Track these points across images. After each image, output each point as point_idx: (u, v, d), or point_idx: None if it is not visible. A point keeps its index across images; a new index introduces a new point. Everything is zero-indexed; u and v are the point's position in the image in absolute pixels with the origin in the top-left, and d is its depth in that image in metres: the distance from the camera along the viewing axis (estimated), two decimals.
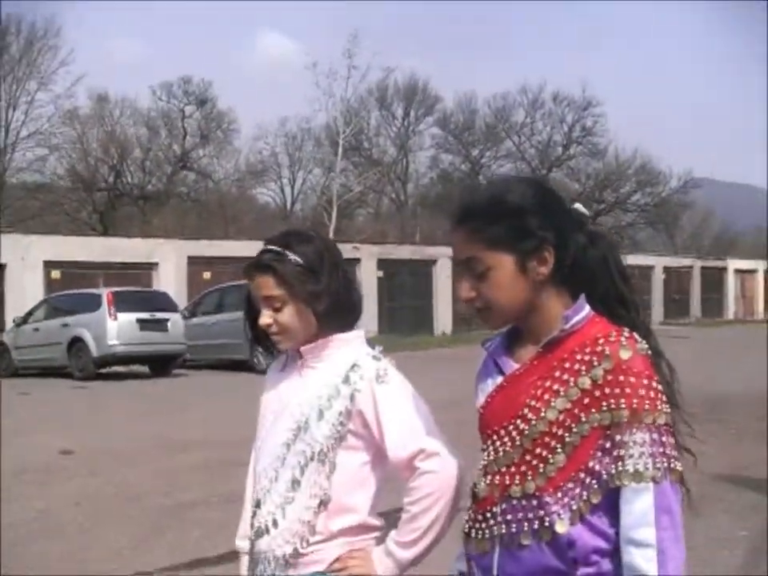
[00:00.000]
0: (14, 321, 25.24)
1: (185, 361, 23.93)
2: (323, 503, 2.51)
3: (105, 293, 22.96)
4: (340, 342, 2.60)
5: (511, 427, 2.13)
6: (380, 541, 2.55)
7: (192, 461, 10.24)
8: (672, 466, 2.01)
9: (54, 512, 8.28)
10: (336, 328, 2.60)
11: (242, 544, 2.74)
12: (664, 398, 2.04)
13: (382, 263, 37.68)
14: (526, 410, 2.11)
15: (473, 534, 2.20)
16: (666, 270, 51.24)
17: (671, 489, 2.01)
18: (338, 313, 2.59)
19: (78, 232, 41.25)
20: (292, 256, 2.56)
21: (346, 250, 36.36)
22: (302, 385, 2.59)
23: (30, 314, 24.68)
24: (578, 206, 2.27)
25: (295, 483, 2.53)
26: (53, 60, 49.79)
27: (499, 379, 2.21)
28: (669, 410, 2.05)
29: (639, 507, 2.00)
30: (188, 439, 11.80)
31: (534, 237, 2.10)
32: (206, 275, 31.38)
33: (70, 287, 26.16)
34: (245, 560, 2.73)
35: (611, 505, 2.04)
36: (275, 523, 2.54)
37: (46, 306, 24.71)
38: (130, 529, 7.59)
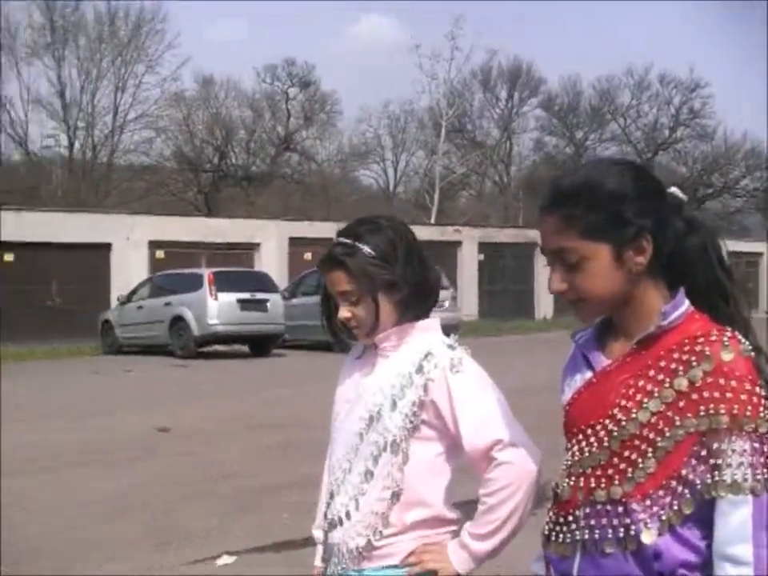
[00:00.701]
0: (118, 299, 25.74)
1: (284, 341, 24.08)
2: (396, 495, 2.43)
3: (206, 273, 23.25)
4: (414, 331, 2.51)
5: (599, 427, 1.97)
6: (456, 534, 2.46)
7: (284, 441, 10.24)
8: None
9: (146, 489, 8.34)
10: (415, 315, 2.51)
11: (318, 533, 2.68)
12: (767, 404, 1.87)
13: (484, 246, 37.47)
14: (615, 410, 1.95)
15: (553, 537, 2.06)
16: None
17: None
18: (415, 300, 2.50)
19: (182, 212, 41.81)
20: (364, 248, 2.46)
21: (448, 233, 36.63)
22: (376, 374, 2.52)
23: (134, 292, 25.13)
24: (674, 189, 2.07)
25: (368, 474, 2.45)
26: (160, 44, 50.65)
27: (588, 374, 2.05)
28: None
29: (736, 521, 1.83)
30: (282, 420, 11.83)
31: (631, 225, 1.93)
32: (307, 256, 31.51)
33: (173, 267, 26.55)
34: (320, 550, 2.67)
35: (703, 516, 1.88)
36: (348, 515, 2.47)
37: (149, 285, 25.13)
38: (218, 508, 7.60)
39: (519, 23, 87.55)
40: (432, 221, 43.39)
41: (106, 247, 29.31)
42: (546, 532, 2.09)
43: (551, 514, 2.09)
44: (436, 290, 2.59)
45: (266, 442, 10.37)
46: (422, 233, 34.68)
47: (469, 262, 37.15)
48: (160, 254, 30.03)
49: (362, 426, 2.47)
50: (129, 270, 28.75)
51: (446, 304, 24.35)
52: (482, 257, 37.34)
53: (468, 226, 39.87)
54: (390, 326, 2.49)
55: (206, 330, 22.47)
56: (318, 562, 2.67)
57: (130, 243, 29.56)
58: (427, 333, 2.51)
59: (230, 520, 7.25)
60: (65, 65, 48.48)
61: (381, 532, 2.43)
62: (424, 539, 2.43)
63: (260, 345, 23.45)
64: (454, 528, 2.47)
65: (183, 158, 53.29)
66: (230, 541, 6.67)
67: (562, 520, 2.04)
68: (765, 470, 1.83)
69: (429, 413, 2.41)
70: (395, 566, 2.43)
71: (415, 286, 2.49)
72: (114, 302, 26.61)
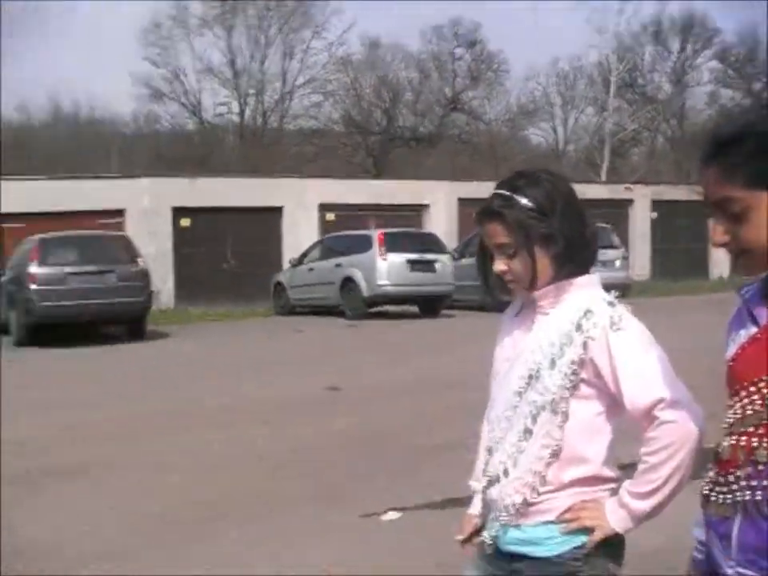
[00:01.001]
0: (290, 261, 26.25)
1: (453, 301, 24.10)
2: (555, 453, 2.41)
3: (376, 234, 23.43)
4: (573, 287, 2.47)
5: (762, 384, 1.89)
6: (614, 493, 2.43)
7: (452, 401, 10.27)
8: None
9: (313, 447, 8.51)
10: (571, 271, 2.47)
11: (475, 484, 2.68)
12: None
13: (656, 204, 36.57)
14: None
15: (713, 498, 1.99)
16: None
17: None
18: (572, 255, 2.46)
19: (351, 175, 42.26)
20: (521, 200, 2.44)
21: (618, 191, 35.88)
22: (535, 332, 2.50)
23: (305, 254, 25.56)
24: None
25: (527, 433, 2.44)
26: (325, 9, 51.08)
27: (753, 330, 1.96)
28: None
29: None
30: (450, 379, 11.86)
31: None
32: None
33: (343, 229, 26.87)
34: (476, 500, 2.69)
35: None
36: (506, 472, 2.48)
37: (320, 247, 25.51)
38: (386, 467, 7.70)
39: None
40: (602, 179, 42.64)
41: (278, 211, 29.90)
42: (706, 492, 2.03)
43: (711, 473, 2.02)
44: (593, 245, 2.55)
45: (434, 402, 10.44)
46: (593, 191, 34.32)
47: (641, 220, 36.36)
48: (330, 216, 30.43)
49: (522, 384, 2.46)
50: (300, 232, 29.27)
51: (617, 264, 23.97)
52: (654, 215, 36.48)
53: (639, 183, 38.99)
54: (547, 281, 2.46)
55: (375, 291, 22.69)
56: (472, 511, 2.70)
57: (301, 206, 30.07)
58: (586, 289, 2.47)
59: (397, 478, 7.34)
60: (234, 34, 49.54)
61: (537, 490, 2.42)
62: (581, 496, 2.42)
63: (429, 305, 23.54)
64: (612, 486, 2.44)
65: (351, 122, 53.76)
66: (396, 498, 6.75)
67: (722, 480, 1.97)
68: None
69: (588, 372, 2.38)
70: (551, 522, 2.42)
71: (572, 241, 2.45)
72: (285, 265, 27.17)
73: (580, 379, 2.39)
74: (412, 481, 7.25)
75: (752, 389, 1.92)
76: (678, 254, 36.61)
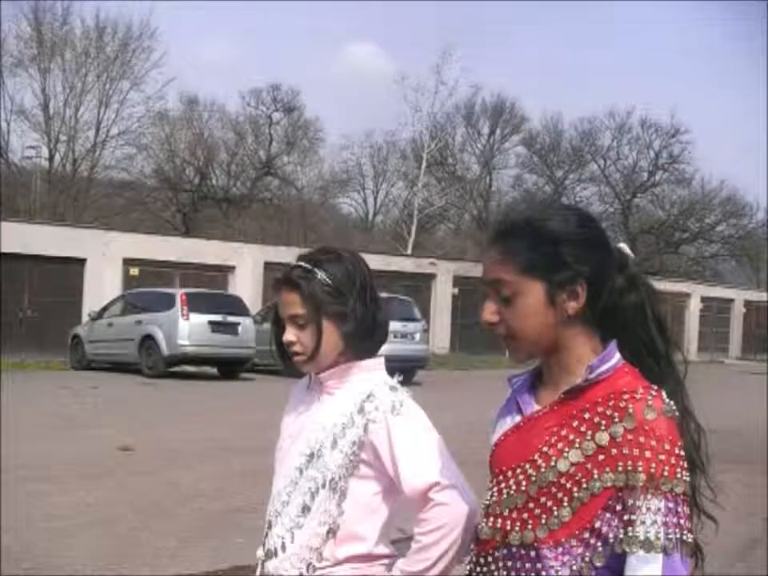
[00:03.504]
0: (89, 315, 25.68)
1: (254, 365, 24.08)
2: (332, 531, 2.47)
3: (179, 293, 23.29)
4: (359, 370, 2.57)
5: (519, 470, 2.03)
6: (389, 568, 2.50)
7: (246, 466, 10.26)
8: (685, 538, 1.88)
9: (104, 507, 8.35)
10: (360, 352, 2.57)
11: (261, 553, 2.68)
12: (685, 465, 1.91)
13: (458, 280, 37.56)
14: (537, 456, 2.00)
15: None
16: (747, 303, 50.44)
17: (681, 562, 1.87)
18: (362, 336, 2.55)
19: (159, 231, 41.76)
20: (320, 274, 2.53)
21: (423, 266, 36.72)
22: (320, 410, 2.57)
23: (105, 309, 25.10)
24: (622, 245, 2.15)
25: (305, 509, 2.50)
26: (146, 61, 50.55)
27: (518, 418, 2.11)
28: (688, 479, 1.92)
29: None
30: (245, 444, 11.84)
31: (568, 268, 1.98)
32: None
33: (147, 285, 26.57)
34: (258, 570, 2.69)
35: (613, 567, 1.91)
36: (284, 547, 2.52)
37: (122, 302, 25.11)
38: (175, 530, 7.62)
39: (506, 61, 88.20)
40: (409, 252, 43.53)
41: (81, 262, 29.23)
42: (467, 572, 2.14)
43: (472, 554, 2.14)
44: (383, 330, 2.64)
45: (228, 465, 10.40)
46: (398, 263, 34.96)
47: (442, 295, 37.27)
48: (134, 271, 29.96)
49: (303, 461, 2.52)
50: (102, 286, 28.67)
51: (417, 336, 24.37)
52: (455, 291, 37.45)
53: (444, 259, 40.03)
54: (333, 357, 2.55)
55: (175, 350, 22.47)
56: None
57: (104, 259, 29.48)
58: (371, 373, 2.56)
59: (185, 542, 7.27)
60: (50, 77, 48.39)
61: (314, 566, 2.47)
62: (356, 571, 2.47)
63: (229, 368, 23.47)
64: (386, 562, 2.50)
65: (163, 177, 53.32)
66: (183, 563, 6.70)
67: (482, 561, 2.08)
68: (677, 530, 1.87)
69: (368, 453, 2.46)
70: None
71: (364, 322, 2.54)
72: (85, 318, 26.56)
73: (360, 460, 2.46)
74: (199, 546, 7.19)
75: (509, 474, 2.05)
76: (477, 329, 37.63)
